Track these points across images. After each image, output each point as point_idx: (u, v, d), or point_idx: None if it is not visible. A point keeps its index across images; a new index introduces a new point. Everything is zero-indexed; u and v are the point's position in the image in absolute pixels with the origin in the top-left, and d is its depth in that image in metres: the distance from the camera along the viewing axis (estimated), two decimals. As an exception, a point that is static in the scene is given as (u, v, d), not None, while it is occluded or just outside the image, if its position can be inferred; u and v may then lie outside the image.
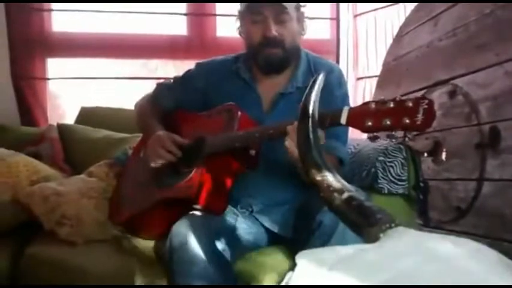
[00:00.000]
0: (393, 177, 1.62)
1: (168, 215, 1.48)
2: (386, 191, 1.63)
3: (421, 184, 1.66)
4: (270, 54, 1.53)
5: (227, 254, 1.36)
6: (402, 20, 2.34)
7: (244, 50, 1.64)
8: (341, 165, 1.49)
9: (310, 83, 0.77)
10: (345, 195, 0.70)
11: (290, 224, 1.49)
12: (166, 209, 1.50)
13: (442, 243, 0.54)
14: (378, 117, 1.03)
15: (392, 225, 0.61)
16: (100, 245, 1.74)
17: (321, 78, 0.77)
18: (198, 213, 1.44)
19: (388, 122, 1.01)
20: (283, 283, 0.52)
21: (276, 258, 1.45)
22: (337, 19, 2.88)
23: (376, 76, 2.53)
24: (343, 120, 1.11)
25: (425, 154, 1.93)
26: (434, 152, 1.89)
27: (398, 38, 2.26)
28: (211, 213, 1.44)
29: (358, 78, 2.92)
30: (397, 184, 1.63)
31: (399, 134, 1.06)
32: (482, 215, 1.55)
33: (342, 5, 2.87)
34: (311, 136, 0.75)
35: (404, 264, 0.47)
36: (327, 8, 2.93)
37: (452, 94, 1.77)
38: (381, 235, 0.60)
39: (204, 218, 1.42)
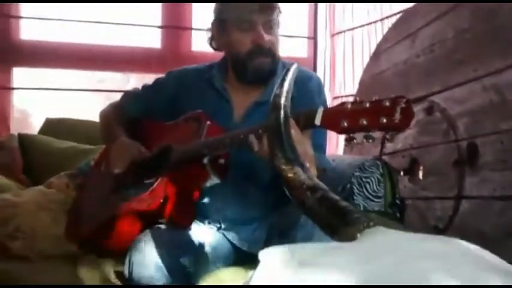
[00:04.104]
0: (369, 193, 1.56)
1: (129, 230, 1.38)
2: (361, 208, 1.56)
3: (398, 202, 1.60)
4: (261, 64, 1.43)
5: (192, 271, 1.27)
6: (380, 38, 2.33)
7: (223, 60, 1.57)
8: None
9: (283, 73, 0.70)
10: (319, 193, 0.63)
11: (261, 241, 1.41)
12: (128, 224, 1.40)
13: (426, 242, 0.47)
14: (354, 117, 0.98)
15: (371, 224, 0.53)
16: (56, 262, 1.61)
17: (293, 68, 0.70)
18: (162, 227, 1.34)
19: (365, 122, 0.96)
20: (243, 282, 0.43)
21: (244, 277, 1.36)
22: (314, 38, 2.87)
23: (352, 95, 2.50)
24: (318, 121, 1.05)
25: (402, 173, 1.88)
26: (411, 170, 1.84)
27: (375, 56, 2.24)
28: (177, 227, 1.35)
29: (335, 97, 2.90)
30: (373, 201, 1.56)
31: (376, 136, 1.00)
32: (460, 234, 1.49)
33: (320, 24, 2.86)
34: (282, 129, 0.67)
35: (383, 262, 0.40)
36: (304, 27, 2.92)
37: (429, 111, 1.74)
38: (358, 235, 0.53)
39: (168, 232, 1.32)
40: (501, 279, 0.38)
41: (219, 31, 1.49)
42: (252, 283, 0.41)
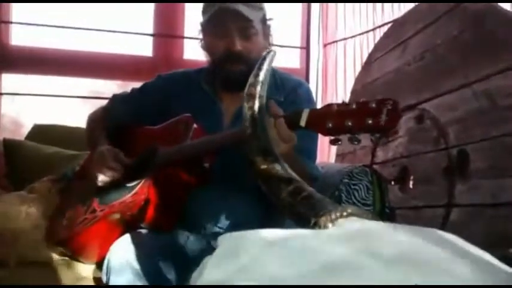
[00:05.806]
0: (358, 201, 1.53)
1: (110, 235, 1.33)
2: (350, 216, 1.52)
3: (387, 210, 1.56)
4: (233, 71, 1.41)
5: (171, 277, 1.22)
6: (372, 48, 2.32)
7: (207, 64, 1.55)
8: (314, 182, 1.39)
9: (259, 61, 0.67)
10: (293, 186, 0.60)
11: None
12: (109, 228, 1.36)
13: (398, 232, 0.44)
14: (340, 118, 0.95)
15: (344, 213, 0.50)
16: (36, 268, 1.57)
17: (270, 57, 0.67)
18: (142, 231, 1.30)
19: (350, 123, 0.93)
20: (197, 270, 0.40)
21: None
22: (307, 48, 2.86)
23: (344, 105, 2.48)
24: (303, 122, 1.02)
25: (392, 182, 1.84)
26: (401, 179, 1.81)
27: (367, 65, 2.23)
28: (158, 232, 1.31)
29: (327, 108, 2.88)
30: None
31: (364, 140, 0.97)
32: (450, 243, 1.46)
33: (313, 34, 2.86)
34: (258, 119, 0.64)
35: (338, 252, 0.36)
36: (297, 37, 2.91)
37: (419, 119, 1.72)
38: (330, 225, 0.50)
39: (149, 236, 1.28)
40: (471, 265, 0.35)
41: (201, 34, 1.49)
42: (206, 269, 0.37)
